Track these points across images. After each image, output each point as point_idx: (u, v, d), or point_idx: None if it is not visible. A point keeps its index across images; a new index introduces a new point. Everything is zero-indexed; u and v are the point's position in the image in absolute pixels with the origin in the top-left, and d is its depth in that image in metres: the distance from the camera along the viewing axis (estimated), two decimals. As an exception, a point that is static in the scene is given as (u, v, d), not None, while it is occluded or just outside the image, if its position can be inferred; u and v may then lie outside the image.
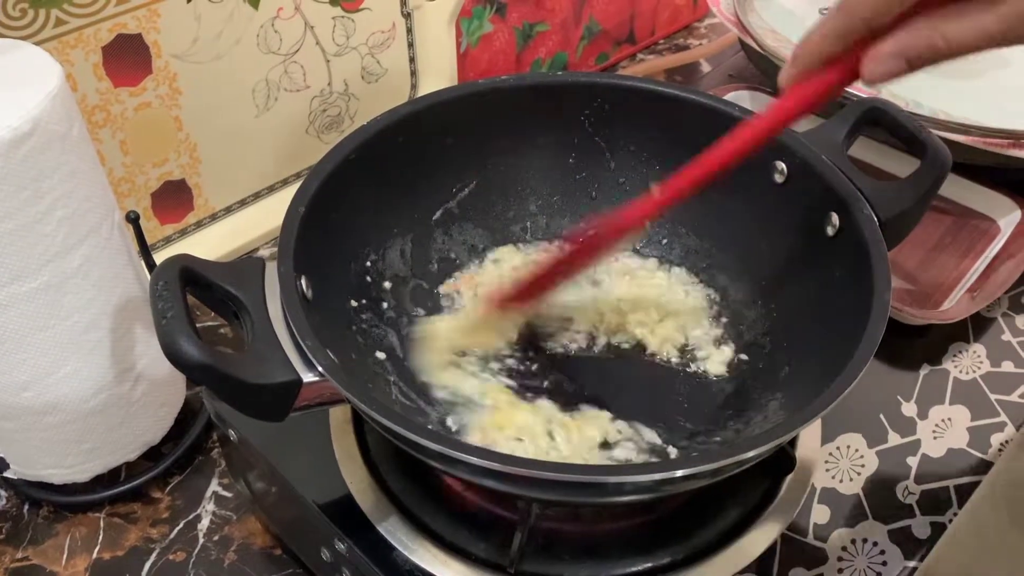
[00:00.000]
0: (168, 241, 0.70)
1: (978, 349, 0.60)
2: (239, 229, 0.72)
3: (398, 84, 0.79)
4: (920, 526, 0.49)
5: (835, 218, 0.48)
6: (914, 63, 0.36)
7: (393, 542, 0.44)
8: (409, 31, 0.77)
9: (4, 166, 0.43)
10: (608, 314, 0.54)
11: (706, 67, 0.93)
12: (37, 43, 0.54)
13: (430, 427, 0.47)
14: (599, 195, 0.58)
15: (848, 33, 0.37)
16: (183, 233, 0.71)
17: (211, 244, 0.71)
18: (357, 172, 0.50)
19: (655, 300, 0.55)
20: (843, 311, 0.45)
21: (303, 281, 0.44)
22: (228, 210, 0.73)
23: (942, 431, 0.54)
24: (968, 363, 0.59)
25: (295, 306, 0.41)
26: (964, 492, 0.51)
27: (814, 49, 0.39)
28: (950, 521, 0.50)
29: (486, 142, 0.55)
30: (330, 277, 0.48)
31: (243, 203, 0.74)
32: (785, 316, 0.51)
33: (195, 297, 0.42)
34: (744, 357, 0.52)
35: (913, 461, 0.52)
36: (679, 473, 0.37)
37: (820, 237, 0.49)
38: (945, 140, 0.49)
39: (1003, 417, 0.56)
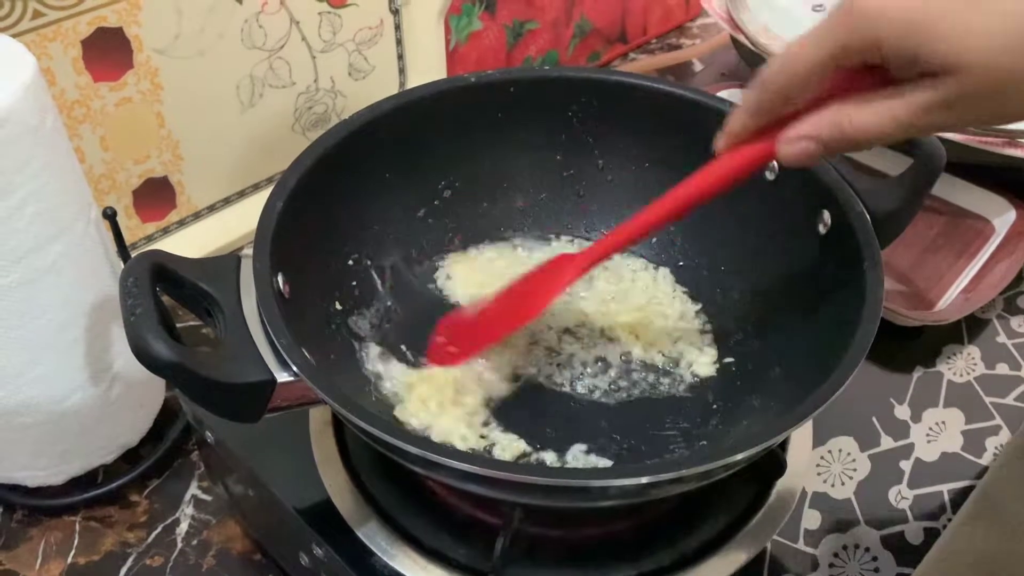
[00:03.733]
0: (150, 239, 0.69)
1: (972, 351, 0.59)
2: (223, 228, 0.71)
3: (386, 81, 0.77)
4: (913, 532, 0.48)
5: (827, 215, 0.47)
6: (827, 147, 0.37)
7: (372, 547, 0.43)
8: (397, 28, 0.76)
9: (-28, 159, 0.41)
10: (592, 315, 0.53)
11: (698, 66, 0.92)
12: (14, 35, 0.53)
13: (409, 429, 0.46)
14: (586, 193, 0.57)
15: (765, 109, 0.38)
16: (165, 232, 0.70)
17: (194, 243, 0.69)
18: (338, 168, 0.49)
19: (640, 301, 0.54)
20: (835, 311, 0.44)
21: (280, 278, 0.42)
22: (212, 208, 0.72)
23: (936, 434, 0.53)
24: (962, 365, 0.58)
25: (270, 303, 0.39)
26: (958, 497, 0.50)
27: (738, 121, 0.40)
28: (944, 526, 0.49)
29: (471, 138, 0.54)
30: (308, 275, 0.47)
31: (227, 201, 0.72)
32: (775, 316, 0.50)
33: (167, 294, 0.41)
34: (731, 359, 0.51)
35: (906, 465, 0.51)
36: (665, 476, 0.36)
37: (811, 235, 0.48)
38: (940, 138, 0.48)
39: (998, 420, 0.55)
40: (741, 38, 0.72)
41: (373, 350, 0.50)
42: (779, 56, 0.37)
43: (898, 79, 0.35)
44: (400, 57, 0.78)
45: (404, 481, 0.46)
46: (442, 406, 0.47)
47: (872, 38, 0.34)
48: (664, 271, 0.56)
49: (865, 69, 0.35)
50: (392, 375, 0.49)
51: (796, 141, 0.37)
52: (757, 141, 0.40)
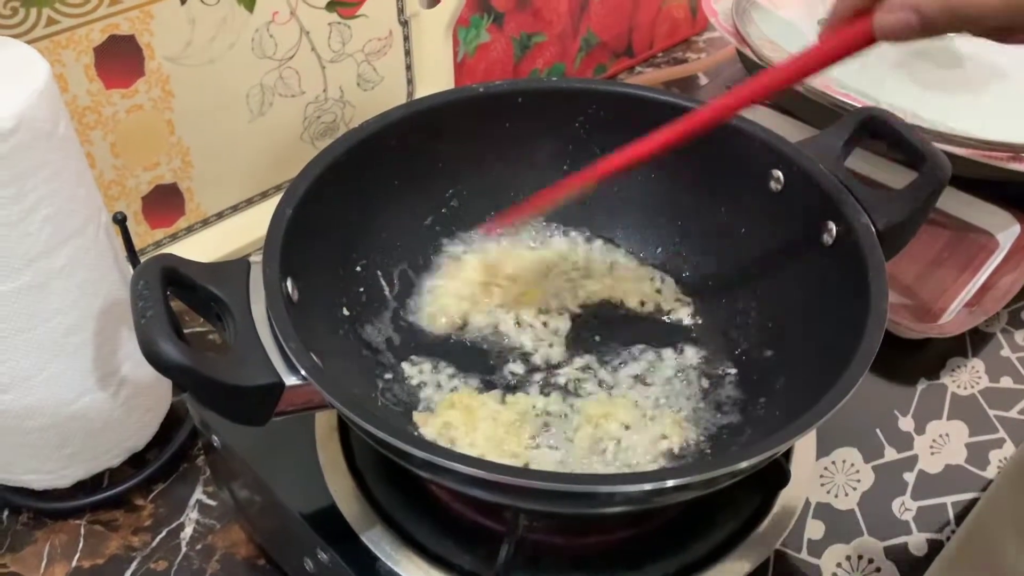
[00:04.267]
0: (159, 245, 0.70)
1: (976, 364, 0.59)
2: (231, 234, 0.72)
3: (394, 92, 0.78)
4: (917, 543, 0.48)
5: (832, 227, 0.47)
6: (927, 20, 0.35)
7: (377, 552, 0.43)
8: (406, 39, 0.76)
9: (-14, 163, 0.42)
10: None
11: (704, 80, 0.92)
12: (28, 42, 0.53)
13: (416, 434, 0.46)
14: (593, 202, 0.57)
15: None
16: (174, 238, 0.70)
17: (202, 249, 0.70)
18: (347, 175, 0.49)
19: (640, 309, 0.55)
20: (839, 321, 0.44)
21: (289, 283, 0.43)
22: (220, 215, 0.72)
23: (940, 447, 0.53)
24: (966, 378, 0.58)
25: (279, 308, 0.40)
26: (962, 509, 0.50)
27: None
28: (948, 538, 0.49)
29: (479, 148, 0.55)
30: (317, 281, 0.47)
31: (235, 208, 0.73)
32: (780, 327, 0.50)
33: (177, 298, 0.41)
34: (735, 370, 0.51)
35: (910, 477, 0.51)
36: (670, 483, 0.36)
37: (816, 247, 0.48)
38: (945, 153, 0.49)
39: (1002, 433, 0.55)
40: (747, 51, 0.72)
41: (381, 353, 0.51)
42: None
43: None
44: (408, 68, 0.78)
45: (409, 486, 0.46)
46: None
47: None
48: (670, 280, 0.56)
49: None
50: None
51: (899, 10, 0.36)
52: (857, 21, 0.38)
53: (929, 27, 0.35)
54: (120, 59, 0.60)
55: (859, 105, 0.63)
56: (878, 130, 0.51)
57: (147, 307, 0.37)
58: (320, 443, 0.48)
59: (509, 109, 0.54)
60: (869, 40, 0.38)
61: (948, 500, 0.51)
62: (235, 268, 0.42)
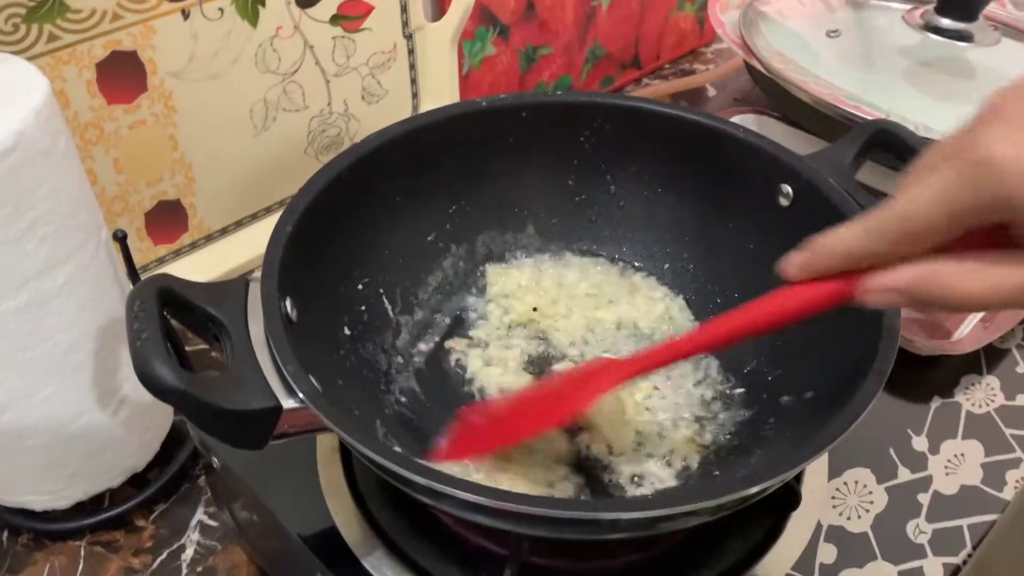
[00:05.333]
0: (162, 262, 0.69)
1: (991, 381, 0.58)
2: (235, 250, 0.71)
3: (399, 105, 0.78)
4: (932, 567, 0.47)
5: (842, 244, 0.46)
6: (914, 303, 0.33)
7: (378, 577, 0.43)
8: (411, 52, 0.76)
9: (-17, 182, 0.41)
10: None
11: (712, 92, 0.92)
12: (29, 59, 0.53)
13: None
14: (599, 219, 0.57)
15: (865, 255, 0.33)
16: (177, 254, 0.70)
17: (206, 265, 0.69)
18: (349, 191, 0.49)
19: (644, 323, 0.54)
20: (850, 339, 0.43)
21: (288, 303, 0.42)
22: (224, 231, 0.72)
23: (955, 467, 0.52)
24: (981, 396, 0.57)
25: (277, 329, 0.39)
26: (979, 532, 0.49)
27: (823, 259, 0.35)
28: (964, 563, 0.48)
29: (483, 162, 0.54)
30: (318, 299, 0.46)
31: (239, 224, 0.72)
32: (789, 345, 0.49)
33: (174, 319, 0.40)
34: (743, 389, 0.50)
35: (924, 498, 0.50)
36: (677, 510, 0.35)
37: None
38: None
39: (1019, 453, 0.54)
40: (754, 63, 0.71)
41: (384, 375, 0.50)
42: (890, 207, 0.32)
43: (1018, 242, 0.30)
44: (413, 81, 0.78)
45: (411, 510, 0.45)
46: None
47: (1005, 197, 0.29)
48: (678, 298, 0.55)
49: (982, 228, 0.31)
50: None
51: (882, 292, 0.33)
52: (837, 280, 0.35)
53: (916, 308, 0.34)
54: (122, 74, 0.59)
55: (869, 117, 0.63)
56: (889, 142, 0.50)
57: (142, 329, 0.36)
58: (321, 465, 0.47)
59: (513, 123, 0.54)
60: (845, 301, 0.35)
61: (964, 523, 0.49)
62: (233, 288, 0.41)
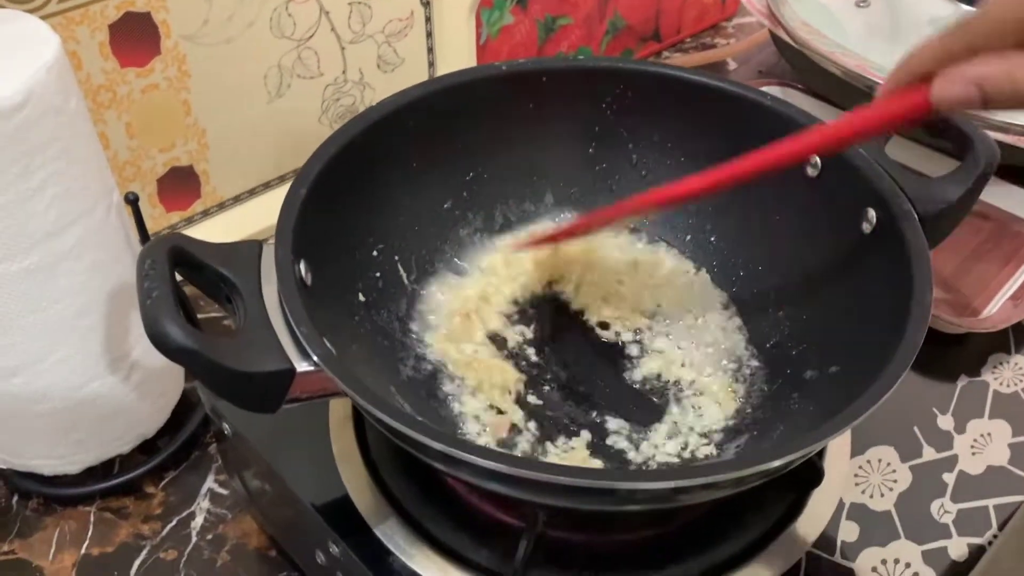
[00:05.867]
0: (174, 229, 0.68)
1: (1020, 361, 0.56)
2: (247, 218, 0.70)
3: (415, 74, 0.76)
4: (957, 547, 0.46)
5: (872, 214, 0.45)
6: (988, 98, 0.33)
7: (390, 546, 0.42)
8: (428, 20, 0.75)
9: (-8, 138, 0.41)
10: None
11: (733, 65, 0.90)
12: (42, 18, 0.52)
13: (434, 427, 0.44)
14: (618, 188, 0.55)
15: (957, 51, 0.34)
16: (189, 221, 0.69)
17: (218, 233, 0.68)
18: (364, 156, 0.48)
19: (674, 298, 0.52)
20: (879, 313, 0.42)
21: (302, 266, 0.41)
22: (237, 199, 0.71)
23: (981, 447, 0.51)
24: (1009, 375, 0.55)
25: (291, 291, 0.38)
26: (1005, 513, 0.48)
27: (919, 60, 0.36)
28: (990, 543, 0.47)
29: (501, 128, 0.53)
30: (332, 264, 0.45)
31: (252, 192, 0.72)
32: (816, 319, 0.48)
33: (186, 278, 0.39)
34: (767, 362, 0.49)
35: (950, 478, 0.49)
36: (697, 481, 0.34)
37: (855, 234, 0.46)
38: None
39: (1047, 434, 0.52)
40: (781, 33, 0.70)
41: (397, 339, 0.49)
42: (980, 8, 0.34)
43: None
44: (430, 50, 0.76)
45: (425, 479, 0.45)
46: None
47: None
48: (701, 269, 0.54)
49: None
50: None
51: (960, 82, 0.34)
52: (918, 87, 0.36)
53: (991, 103, 0.33)
54: (135, 37, 0.58)
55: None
56: (921, 113, 0.48)
57: (153, 287, 0.35)
58: (334, 433, 0.47)
59: (533, 89, 0.52)
60: (927, 109, 0.36)
61: (990, 503, 0.48)
62: (246, 249, 0.40)
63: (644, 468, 0.44)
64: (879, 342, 0.40)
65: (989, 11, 0.33)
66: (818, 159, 0.48)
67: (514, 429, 0.46)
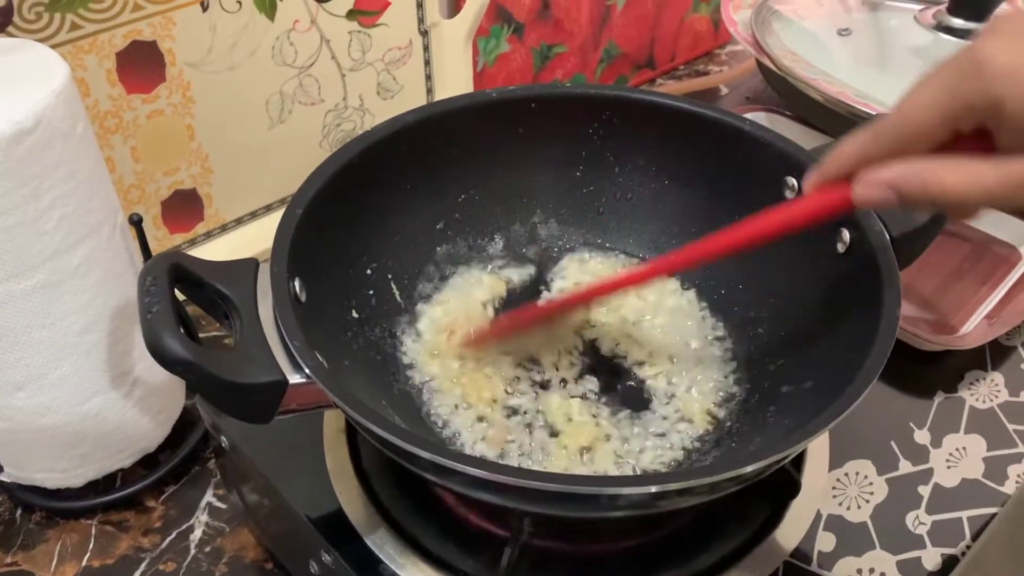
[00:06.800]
0: (176, 250, 0.70)
1: (996, 378, 0.58)
2: (249, 241, 0.72)
3: (413, 100, 0.78)
4: (931, 557, 0.47)
5: (845, 234, 0.47)
6: (905, 199, 0.35)
7: (380, 555, 0.43)
8: (426, 48, 0.77)
9: (4, 161, 0.42)
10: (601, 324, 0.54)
11: (724, 91, 0.92)
12: (52, 47, 0.54)
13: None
14: (606, 210, 0.57)
15: (870, 157, 0.36)
16: (192, 243, 0.71)
17: (220, 255, 0.69)
18: (359, 178, 0.49)
19: (651, 315, 0.54)
20: (852, 329, 0.43)
21: (296, 283, 0.43)
22: (238, 221, 0.73)
23: (956, 460, 0.52)
24: (985, 391, 0.57)
25: (285, 306, 0.40)
26: (978, 524, 0.49)
27: (836, 164, 0.38)
28: (963, 554, 0.48)
29: (492, 152, 0.55)
30: (327, 281, 0.47)
31: (254, 215, 0.73)
32: (792, 335, 0.49)
33: (185, 295, 0.41)
34: (746, 376, 0.50)
35: (925, 490, 0.50)
36: (674, 486, 0.36)
37: (830, 253, 0.47)
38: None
39: (1021, 448, 0.54)
40: (765, 60, 0.72)
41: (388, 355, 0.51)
42: (894, 110, 0.35)
43: (1003, 148, 0.33)
44: (428, 77, 0.78)
45: (415, 491, 0.46)
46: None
47: (993, 96, 0.32)
48: (690, 294, 0.56)
49: (972, 133, 0.34)
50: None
51: (876, 186, 0.35)
52: (841, 185, 0.38)
53: (907, 204, 0.35)
54: (142, 64, 0.61)
55: (876, 113, 0.63)
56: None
57: (153, 303, 0.37)
58: (328, 446, 0.48)
59: (523, 114, 0.54)
60: (851, 206, 0.38)
61: (964, 515, 0.49)
62: (243, 267, 0.42)
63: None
64: (851, 357, 0.41)
65: (902, 113, 0.35)
66: (795, 183, 0.50)
67: (507, 438, 0.48)
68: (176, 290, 0.40)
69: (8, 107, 0.43)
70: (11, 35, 0.54)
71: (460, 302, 0.54)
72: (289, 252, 0.43)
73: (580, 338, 0.53)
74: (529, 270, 0.57)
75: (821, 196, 0.39)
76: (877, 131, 0.36)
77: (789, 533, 0.45)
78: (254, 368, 0.38)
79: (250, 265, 0.42)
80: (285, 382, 0.38)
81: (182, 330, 0.37)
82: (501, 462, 0.45)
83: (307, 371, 0.38)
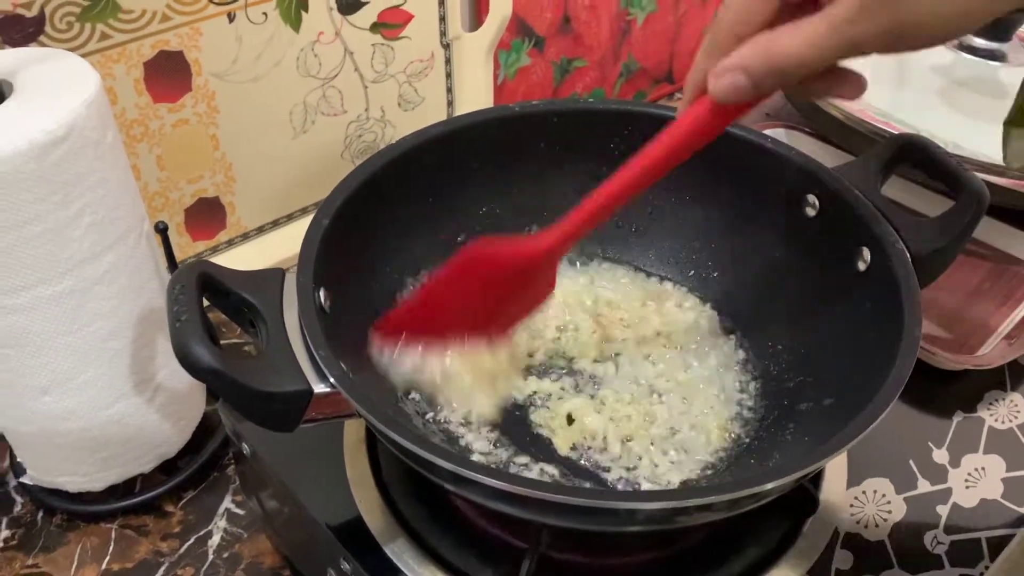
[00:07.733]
0: (199, 257, 0.71)
1: (1015, 398, 0.58)
2: (270, 249, 0.73)
3: (435, 112, 0.79)
4: (949, 578, 0.47)
5: (866, 253, 0.47)
6: (755, 79, 0.35)
7: (399, 565, 0.44)
8: (447, 61, 0.77)
9: (36, 169, 0.43)
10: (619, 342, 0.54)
11: (744, 108, 0.92)
12: (82, 56, 0.55)
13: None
14: (625, 224, 0.58)
15: (720, 48, 0.37)
16: (214, 250, 0.71)
17: (241, 263, 0.70)
18: (384, 190, 0.50)
19: (671, 332, 0.54)
20: (872, 347, 0.43)
21: (321, 293, 0.43)
22: (260, 230, 0.74)
23: (975, 480, 0.52)
24: (1004, 412, 0.57)
25: (311, 316, 0.40)
26: (997, 545, 0.49)
27: (696, 70, 0.38)
28: (981, 574, 0.48)
29: (514, 166, 0.55)
30: (351, 293, 0.47)
31: (275, 224, 0.74)
32: (812, 353, 0.50)
33: (212, 303, 0.42)
34: (766, 394, 0.51)
35: (943, 510, 0.50)
36: (694, 502, 0.36)
37: (850, 272, 0.48)
38: (985, 182, 0.48)
39: (1041, 469, 0.54)
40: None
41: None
42: (722, 4, 0.37)
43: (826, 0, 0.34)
44: (449, 90, 0.79)
45: (434, 500, 0.46)
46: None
47: None
48: (701, 303, 0.56)
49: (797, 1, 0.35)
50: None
51: (724, 74, 0.36)
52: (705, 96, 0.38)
53: (760, 86, 0.35)
54: (168, 74, 0.61)
55: (894, 132, 0.63)
56: (915, 156, 0.50)
57: (182, 311, 0.37)
58: (348, 455, 0.49)
59: (544, 129, 0.55)
60: (715, 110, 0.38)
61: (983, 535, 0.49)
62: (270, 276, 0.42)
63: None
64: (871, 376, 0.41)
65: (728, 3, 0.36)
66: (816, 200, 0.50)
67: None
68: (203, 298, 0.40)
69: (41, 116, 0.43)
70: (43, 44, 0.55)
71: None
72: (315, 262, 0.43)
73: (599, 351, 0.53)
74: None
75: (690, 111, 0.39)
76: (714, 32, 0.37)
77: (806, 551, 0.45)
78: (280, 377, 0.38)
79: (277, 275, 0.42)
80: (310, 391, 0.38)
81: (209, 338, 0.38)
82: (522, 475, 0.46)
83: (332, 380, 0.38)
